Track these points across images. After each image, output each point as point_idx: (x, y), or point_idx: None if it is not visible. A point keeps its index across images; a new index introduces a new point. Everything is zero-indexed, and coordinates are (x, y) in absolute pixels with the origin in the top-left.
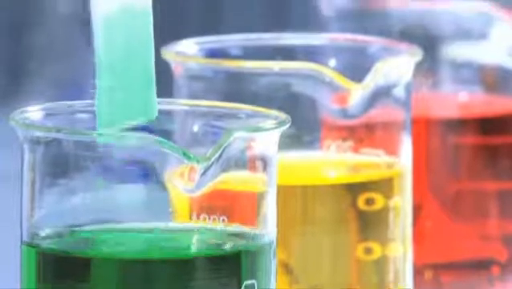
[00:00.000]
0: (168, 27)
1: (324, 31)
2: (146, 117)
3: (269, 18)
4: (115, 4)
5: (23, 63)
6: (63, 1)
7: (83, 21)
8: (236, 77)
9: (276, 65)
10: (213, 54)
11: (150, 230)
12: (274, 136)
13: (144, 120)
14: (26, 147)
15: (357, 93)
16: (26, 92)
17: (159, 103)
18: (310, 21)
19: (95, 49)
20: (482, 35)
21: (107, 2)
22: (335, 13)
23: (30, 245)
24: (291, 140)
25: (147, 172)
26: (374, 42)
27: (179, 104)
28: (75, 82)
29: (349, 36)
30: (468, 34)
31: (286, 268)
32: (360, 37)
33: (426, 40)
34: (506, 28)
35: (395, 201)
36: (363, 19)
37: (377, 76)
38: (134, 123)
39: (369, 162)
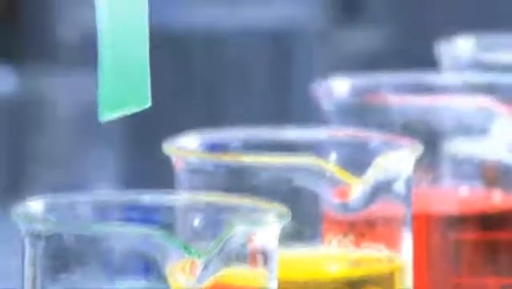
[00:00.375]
0: (169, 122)
1: (325, 126)
2: (141, 104)
3: (270, 113)
4: None
5: (23, 166)
6: (63, 106)
7: (83, 126)
8: (237, 171)
9: (277, 159)
10: (214, 148)
11: None
12: (275, 230)
13: (139, 107)
14: (27, 241)
15: (358, 188)
16: (25, 196)
17: (159, 196)
18: (311, 115)
19: (98, 33)
20: (483, 131)
21: None
22: (335, 107)
23: None
24: (292, 234)
25: (148, 266)
26: (375, 136)
27: (180, 198)
28: (75, 187)
29: (350, 131)
30: (469, 129)
31: None
32: (361, 132)
33: (427, 135)
34: (507, 124)
35: None
36: (363, 114)
37: (378, 171)
38: (132, 110)
39: (370, 257)
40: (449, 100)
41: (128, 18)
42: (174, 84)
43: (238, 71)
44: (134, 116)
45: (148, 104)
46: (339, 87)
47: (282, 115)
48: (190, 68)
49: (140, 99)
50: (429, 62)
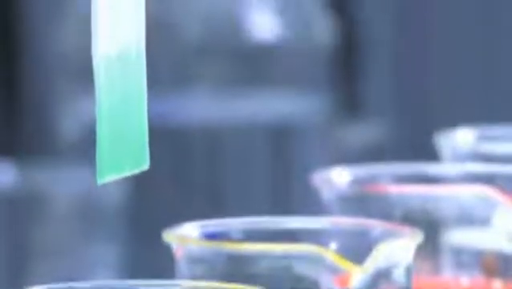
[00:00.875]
0: (169, 213)
1: (325, 215)
2: (140, 166)
3: (270, 202)
4: (114, 48)
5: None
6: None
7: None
8: (237, 259)
9: (277, 247)
10: (215, 237)
11: None
12: None
13: (138, 170)
14: None
15: (358, 276)
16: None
17: (161, 285)
18: (312, 207)
19: (96, 95)
20: (483, 221)
21: (106, 46)
22: (335, 197)
23: None
24: None
25: None
26: (375, 225)
27: (180, 286)
28: (76, 279)
29: (350, 219)
30: (469, 219)
31: None
32: (361, 220)
33: (427, 224)
34: (507, 214)
35: None
36: (364, 203)
37: (378, 259)
38: (130, 172)
39: None
40: (449, 190)
41: (126, 80)
42: (174, 176)
43: (239, 164)
44: (134, 206)
45: (147, 166)
46: (339, 177)
47: (283, 206)
48: (190, 161)
49: (139, 161)
50: (430, 155)
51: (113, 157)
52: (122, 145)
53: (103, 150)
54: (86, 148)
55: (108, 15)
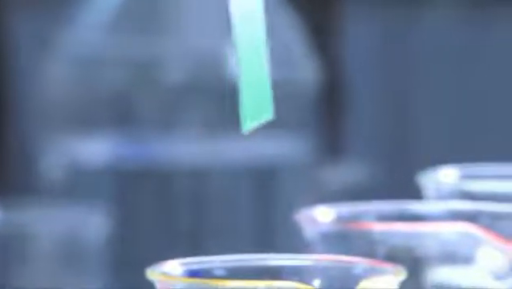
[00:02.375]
0: (153, 250)
1: (309, 253)
2: (269, 115)
3: (254, 242)
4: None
5: None
6: (47, 239)
7: (67, 258)
8: None
9: (260, 285)
10: (198, 274)
11: None
12: None
13: (267, 118)
14: None
15: None
16: None
17: None
18: (295, 246)
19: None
20: (467, 258)
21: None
22: (319, 235)
23: None
24: None
25: None
26: (358, 262)
27: None
28: None
29: (334, 256)
30: (452, 256)
31: None
32: (345, 257)
33: (411, 262)
34: (491, 251)
35: None
36: (347, 241)
37: None
38: (265, 120)
39: None
40: (432, 227)
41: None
42: (158, 216)
43: (223, 204)
44: (118, 244)
45: (272, 115)
46: (323, 215)
47: (267, 246)
48: (175, 201)
49: (266, 112)
50: (413, 195)
51: (253, 107)
52: (258, 95)
53: (247, 100)
54: (69, 187)
55: None
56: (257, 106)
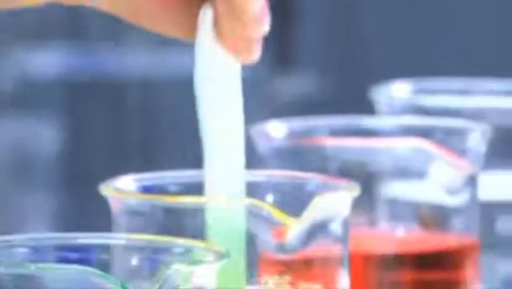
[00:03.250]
0: (105, 165)
1: (262, 168)
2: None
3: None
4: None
5: None
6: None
7: (20, 171)
8: (174, 212)
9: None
10: (151, 190)
11: None
12: (213, 269)
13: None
14: None
15: (295, 228)
16: None
17: (96, 237)
18: (248, 159)
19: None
20: (420, 173)
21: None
22: (272, 151)
23: None
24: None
25: None
26: (311, 178)
27: (117, 239)
28: (12, 232)
29: (287, 172)
30: (406, 171)
31: None
32: (298, 173)
33: (364, 177)
34: (443, 166)
35: None
36: (300, 156)
37: (314, 211)
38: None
39: None
40: (385, 143)
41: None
42: (109, 128)
43: (173, 116)
44: (68, 156)
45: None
46: (275, 131)
47: None
48: (125, 112)
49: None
50: (365, 108)
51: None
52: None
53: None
54: (20, 99)
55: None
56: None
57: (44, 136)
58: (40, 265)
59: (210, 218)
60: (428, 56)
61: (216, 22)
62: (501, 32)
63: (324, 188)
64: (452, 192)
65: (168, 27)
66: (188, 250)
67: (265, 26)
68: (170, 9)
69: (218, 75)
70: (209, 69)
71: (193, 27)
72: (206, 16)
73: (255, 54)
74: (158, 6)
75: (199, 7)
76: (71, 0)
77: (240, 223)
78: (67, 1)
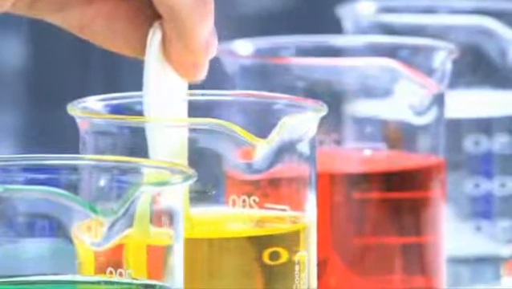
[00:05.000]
0: (72, 84)
1: (229, 87)
2: None
3: None
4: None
5: None
6: None
7: None
8: (141, 132)
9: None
10: (118, 110)
11: (56, 283)
12: (180, 190)
13: None
14: None
15: (262, 148)
16: None
17: (64, 158)
18: (215, 77)
19: None
20: (386, 92)
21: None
22: (238, 70)
23: None
24: (197, 195)
25: (53, 227)
26: (279, 98)
27: (84, 159)
28: None
29: (254, 92)
30: (372, 90)
31: None
32: (265, 93)
33: (330, 96)
34: (410, 85)
35: (300, 256)
36: (267, 76)
37: (282, 131)
38: None
39: (274, 216)
40: (351, 62)
41: None
42: (74, 48)
43: None
44: (36, 78)
45: None
46: (241, 49)
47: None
48: None
49: None
50: (331, 25)
51: None
52: None
53: None
54: None
55: None
56: None
57: (11, 52)
58: (7, 186)
59: (151, 138)
60: None
61: (164, 44)
62: None
63: (291, 107)
64: (418, 111)
65: (117, 44)
66: (155, 171)
67: (212, 51)
68: (120, 26)
69: (165, 93)
70: (157, 88)
71: (142, 46)
72: (155, 36)
73: (202, 74)
74: (108, 23)
75: (149, 26)
76: (25, 11)
77: (182, 142)
78: (22, 11)
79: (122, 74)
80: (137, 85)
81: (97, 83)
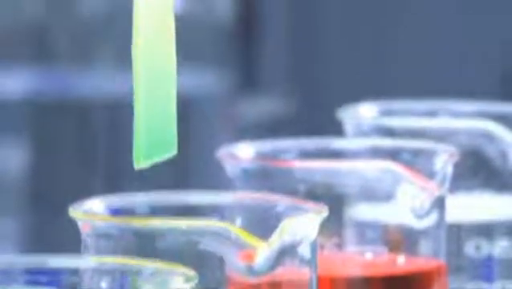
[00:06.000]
0: (74, 187)
1: (230, 190)
2: (170, 152)
3: (172, 177)
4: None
5: None
6: None
7: None
8: (143, 235)
9: (183, 223)
10: (120, 212)
11: None
12: None
13: (168, 156)
14: None
15: (263, 251)
16: None
17: (66, 260)
18: (216, 181)
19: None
20: (387, 195)
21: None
22: (240, 173)
23: None
24: None
25: None
26: (280, 200)
27: (86, 261)
28: None
29: (255, 195)
30: (373, 193)
31: None
32: (266, 195)
33: (331, 199)
34: (411, 188)
35: None
36: (268, 178)
37: (283, 234)
38: (163, 158)
39: None
40: (352, 165)
41: (159, 76)
42: (77, 150)
43: None
44: (38, 181)
45: (175, 152)
46: (243, 152)
47: (185, 182)
48: (92, 134)
49: (169, 148)
50: (332, 130)
51: (148, 145)
52: (155, 133)
53: (140, 137)
54: None
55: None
56: (157, 140)
57: (11, 158)
58: (9, 288)
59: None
60: (393, 77)
61: None
62: (466, 54)
63: (292, 210)
64: (419, 214)
65: None
66: (157, 274)
67: None
68: None
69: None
70: None
71: None
72: None
73: None
74: None
75: None
76: None
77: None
78: None
79: (123, 176)
80: (136, 187)
81: (98, 185)
